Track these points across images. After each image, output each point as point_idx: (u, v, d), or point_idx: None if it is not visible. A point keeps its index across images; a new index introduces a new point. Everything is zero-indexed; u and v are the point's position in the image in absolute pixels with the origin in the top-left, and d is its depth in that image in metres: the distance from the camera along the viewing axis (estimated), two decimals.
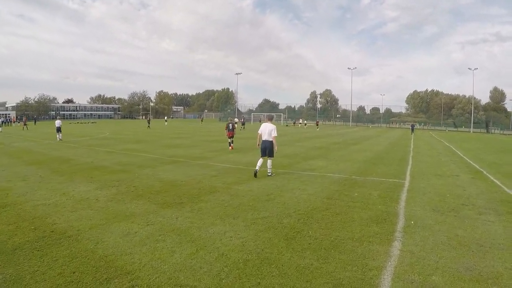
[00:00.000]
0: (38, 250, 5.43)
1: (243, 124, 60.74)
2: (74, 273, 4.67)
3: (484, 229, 6.86)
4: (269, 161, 12.13)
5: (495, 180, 12.49)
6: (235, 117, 71.16)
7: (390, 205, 8.58)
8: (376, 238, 6.21)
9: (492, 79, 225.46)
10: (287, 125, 76.29)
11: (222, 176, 12.01)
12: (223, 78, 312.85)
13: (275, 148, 11.97)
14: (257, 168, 11.88)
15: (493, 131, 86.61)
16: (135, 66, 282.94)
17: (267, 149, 11.89)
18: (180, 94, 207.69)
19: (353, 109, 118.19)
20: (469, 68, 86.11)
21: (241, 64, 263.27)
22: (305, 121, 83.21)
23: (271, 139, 11.84)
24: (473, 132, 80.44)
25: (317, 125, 73.38)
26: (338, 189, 10.40)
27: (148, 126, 53.63)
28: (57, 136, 27.97)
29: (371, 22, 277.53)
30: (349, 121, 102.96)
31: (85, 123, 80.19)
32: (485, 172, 14.34)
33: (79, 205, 8.16)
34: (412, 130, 55.67)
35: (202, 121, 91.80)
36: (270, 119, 12.39)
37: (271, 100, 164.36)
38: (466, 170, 14.79)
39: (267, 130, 11.88)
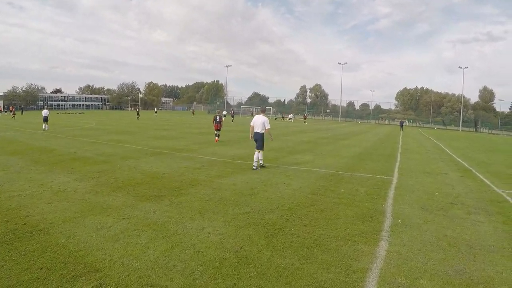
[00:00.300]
0: (8, 244, 5.12)
1: (232, 116, 60.79)
2: (41, 269, 4.36)
3: (474, 230, 6.67)
4: (259, 154, 12.13)
5: (484, 179, 12.37)
6: (223, 110, 70.83)
7: (377, 203, 8.35)
8: (362, 237, 5.96)
9: (482, 78, 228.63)
10: (275, 119, 75.96)
11: (206, 169, 11.76)
12: (213, 71, 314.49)
13: (271, 137, 12.18)
14: (255, 162, 12.05)
15: (481, 130, 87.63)
16: (126, 56, 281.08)
17: (257, 141, 11.97)
18: (169, 86, 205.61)
19: (343, 104, 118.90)
20: (459, 67, 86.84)
21: (232, 57, 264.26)
22: (291, 115, 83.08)
23: (262, 131, 11.91)
24: (462, 130, 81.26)
25: (305, 119, 73.55)
26: (324, 184, 10.16)
27: (138, 117, 53.69)
28: (43, 126, 27.46)
29: (363, 18, 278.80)
30: (338, 116, 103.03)
31: (73, 113, 79.10)
32: (474, 171, 14.24)
33: (56, 197, 7.82)
34: (401, 126, 55.97)
35: (193, 113, 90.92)
36: (263, 111, 12.49)
37: (261, 93, 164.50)
38: (455, 168, 14.68)
39: (259, 122, 11.94)
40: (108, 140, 20.05)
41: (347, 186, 9.98)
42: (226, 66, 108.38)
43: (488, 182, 11.82)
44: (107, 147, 17.11)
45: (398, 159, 16.83)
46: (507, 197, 9.68)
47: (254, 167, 12.01)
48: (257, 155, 12.03)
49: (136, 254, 4.87)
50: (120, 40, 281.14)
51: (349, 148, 20.66)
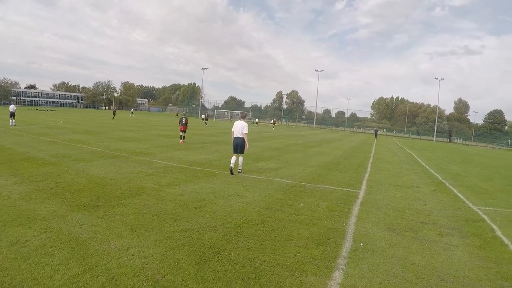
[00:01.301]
0: None
1: (206, 119, 60.35)
2: None
3: (446, 256, 5.88)
4: (240, 158, 12.44)
5: (458, 194, 11.76)
6: (203, 113, 70.22)
7: (338, 221, 7.47)
8: (313, 266, 5.04)
9: (458, 90, 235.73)
10: (252, 123, 75.11)
11: (159, 175, 10.96)
12: (192, 73, 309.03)
13: (246, 145, 12.25)
14: (231, 165, 12.09)
15: (455, 140, 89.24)
16: (105, 55, 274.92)
17: (238, 146, 12.17)
18: (146, 86, 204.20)
19: (319, 111, 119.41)
20: (435, 78, 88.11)
21: (211, 60, 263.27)
22: (256, 119, 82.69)
23: (242, 136, 12.16)
24: (436, 140, 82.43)
25: (274, 124, 72.86)
26: (282, 197, 9.24)
27: (113, 116, 53.26)
28: (10, 121, 27.05)
29: (343, 27, 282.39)
30: (313, 123, 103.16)
31: (44, 110, 77.56)
32: (447, 184, 13.67)
33: None
34: (376, 135, 56.62)
35: (177, 115, 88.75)
36: (243, 117, 12.89)
37: (238, 98, 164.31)
38: (428, 181, 14.06)
39: (239, 127, 12.20)
40: (68, 140, 19.05)
41: (307, 200, 9.08)
42: (203, 68, 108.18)
43: (463, 198, 11.20)
44: (63, 147, 16.10)
45: (368, 169, 16.12)
46: (483, 215, 9.02)
47: (230, 167, 12.13)
48: (234, 159, 12.23)
49: (40, 279, 4.14)
50: (99, 38, 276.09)
51: (318, 157, 19.86)
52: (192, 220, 6.83)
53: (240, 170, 12.47)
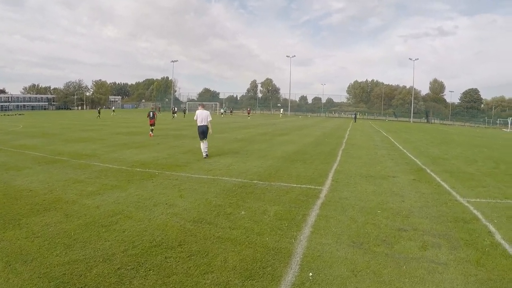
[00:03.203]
0: None
1: (174, 113, 59.28)
2: None
3: (433, 284, 4.04)
4: (205, 142, 13.55)
5: (442, 183, 10.08)
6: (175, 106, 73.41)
7: (285, 235, 5.64)
8: None
9: (433, 71, 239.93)
10: (222, 115, 72.71)
11: (87, 182, 9.44)
12: (166, 67, 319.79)
13: (210, 130, 13.76)
14: (203, 151, 13.51)
15: (433, 121, 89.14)
16: (77, 54, 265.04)
17: (204, 133, 13.49)
18: (119, 83, 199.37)
19: (296, 99, 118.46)
20: (410, 58, 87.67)
21: (185, 53, 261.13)
22: (223, 109, 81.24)
23: (206, 124, 13.59)
24: (413, 122, 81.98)
25: (248, 114, 72.02)
26: (222, 203, 7.36)
27: (98, 116, 54.28)
28: None
29: (316, 13, 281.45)
30: (291, 111, 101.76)
31: (12, 115, 74.50)
32: (428, 170, 12.03)
33: None
34: (355, 119, 59.55)
35: (159, 110, 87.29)
36: (203, 106, 14.30)
37: (212, 89, 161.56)
38: (406, 168, 12.38)
39: (203, 116, 13.58)
40: (16, 146, 17.31)
41: (253, 206, 7.20)
42: (172, 61, 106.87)
43: (448, 187, 9.53)
44: (5, 154, 14.60)
45: (338, 158, 14.31)
46: (475, 211, 7.32)
47: (205, 155, 13.47)
48: (203, 144, 13.49)
49: None
50: (70, 37, 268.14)
51: (284, 146, 17.98)
52: (90, 244, 5.21)
53: (206, 155, 13.45)
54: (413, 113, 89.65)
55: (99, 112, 57.02)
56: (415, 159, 14.77)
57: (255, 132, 27.80)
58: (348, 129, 37.59)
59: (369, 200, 7.88)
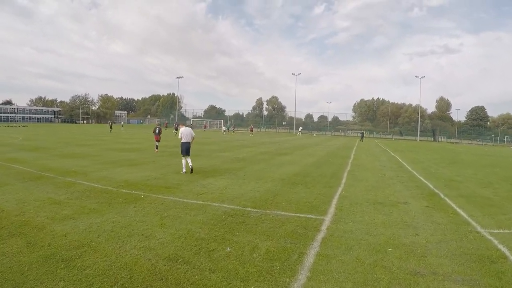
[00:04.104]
0: None
1: (176, 129, 58.61)
2: None
3: None
4: (189, 159, 13.89)
5: (458, 210, 9.00)
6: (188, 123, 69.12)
7: (275, 282, 4.67)
8: None
9: (439, 89, 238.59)
10: (224, 133, 71.68)
11: (67, 204, 8.57)
12: (173, 84, 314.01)
13: (191, 146, 14.34)
14: (184, 169, 13.99)
15: (440, 139, 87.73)
16: (85, 68, 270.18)
17: (188, 149, 13.94)
18: (125, 98, 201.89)
19: (301, 116, 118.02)
20: (416, 76, 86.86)
21: (192, 69, 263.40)
22: (226, 127, 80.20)
23: (190, 141, 14.11)
24: (420, 140, 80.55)
25: (251, 131, 71.75)
26: (206, 236, 6.36)
27: (111, 130, 55.86)
28: None
29: (322, 31, 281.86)
30: (293, 129, 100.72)
31: (15, 126, 75.20)
32: (442, 195, 10.96)
33: None
34: (362, 137, 58.68)
35: (166, 126, 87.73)
36: (184, 124, 15.67)
37: (218, 106, 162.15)
38: (417, 193, 11.29)
39: (187, 133, 14.08)
40: (6, 159, 16.78)
41: (242, 240, 6.18)
42: (177, 77, 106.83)
43: (465, 215, 8.45)
44: None
45: (343, 181, 13.23)
46: (500, 246, 6.28)
47: (190, 170, 13.78)
48: (185, 161, 13.98)
49: None
50: (79, 51, 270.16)
51: (285, 167, 16.90)
52: (42, 285, 4.39)
53: (192, 169, 13.76)
54: (420, 131, 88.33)
55: (111, 127, 58.23)
56: (426, 182, 13.68)
57: (257, 151, 26.77)
58: (354, 148, 36.45)
59: (378, 233, 6.82)
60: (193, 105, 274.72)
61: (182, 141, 13.94)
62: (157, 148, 22.75)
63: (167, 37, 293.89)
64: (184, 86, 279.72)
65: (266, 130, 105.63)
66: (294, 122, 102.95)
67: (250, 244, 5.99)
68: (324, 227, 7.09)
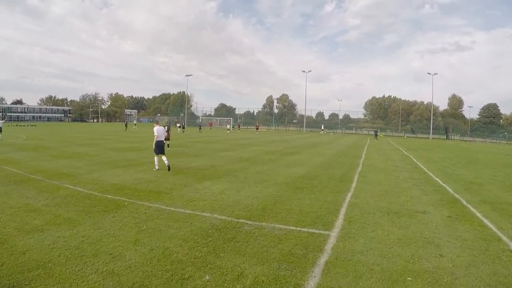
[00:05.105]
0: None
1: (183, 128, 59.21)
2: None
3: None
4: (164, 157, 14.03)
5: (484, 221, 7.77)
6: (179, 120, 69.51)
7: None
8: None
9: (450, 87, 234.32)
10: (229, 131, 70.29)
11: (42, 212, 7.70)
12: (183, 82, 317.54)
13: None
14: (157, 166, 14.11)
15: (453, 137, 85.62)
16: (96, 67, 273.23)
17: (162, 147, 14.23)
18: (135, 97, 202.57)
19: (312, 115, 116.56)
20: (428, 73, 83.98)
21: (202, 68, 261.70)
22: (230, 125, 78.81)
23: (163, 139, 14.43)
24: (433, 138, 78.55)
25: (257, 129, 70.90)
26: (184, 257, 5.32)
27: (126, 128, 57.20)
28: None
29: (333, 29, 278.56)
30: (307, 127, 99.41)
31: (24, 125, 75.05)
32: (464, 202, 9.70)
33: None
34: (376, 135, 58.55)
35: (175, 125, 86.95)
36: (157, 122, 15.46)
37: (228, 104, 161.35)
38: (436, 199, 10.04)
39: (161, 132, 14.27)
40: (1, 160, 15.99)
41: (226, 264, 5.06)
42: (187, 75, 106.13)
43: (494, 228, 7.24)
44: None
45: (353, 185, 11.99)
46: None
47: (156, 169, 13.98)
48: (157, 159, 14.20)
49: None
50: (89, 50, 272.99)
51: (291, 168, 15.69)
52: None
53: (168, 166, 13.89)
54: (432, 129, 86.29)
55: (126, 125, 59.74)
56: (444, 185, 12.40)
57: (264, 150, 25.58)
58: (365, 146, 35.04)
59: (394, 255, 5.60)
60: (203, 104, 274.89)
61: (157, 139, 14.04)
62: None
63: (178, 36, 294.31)
64: (195, 85, 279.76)
65: (276, 128, 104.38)
66: (304, 120, 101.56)
67: (235, 270, 4.84)
68: (328, 247, 5.86)
